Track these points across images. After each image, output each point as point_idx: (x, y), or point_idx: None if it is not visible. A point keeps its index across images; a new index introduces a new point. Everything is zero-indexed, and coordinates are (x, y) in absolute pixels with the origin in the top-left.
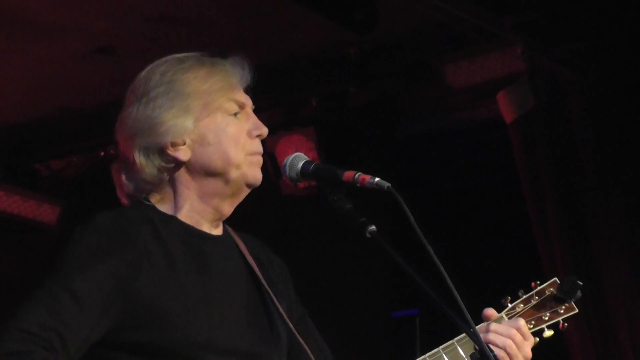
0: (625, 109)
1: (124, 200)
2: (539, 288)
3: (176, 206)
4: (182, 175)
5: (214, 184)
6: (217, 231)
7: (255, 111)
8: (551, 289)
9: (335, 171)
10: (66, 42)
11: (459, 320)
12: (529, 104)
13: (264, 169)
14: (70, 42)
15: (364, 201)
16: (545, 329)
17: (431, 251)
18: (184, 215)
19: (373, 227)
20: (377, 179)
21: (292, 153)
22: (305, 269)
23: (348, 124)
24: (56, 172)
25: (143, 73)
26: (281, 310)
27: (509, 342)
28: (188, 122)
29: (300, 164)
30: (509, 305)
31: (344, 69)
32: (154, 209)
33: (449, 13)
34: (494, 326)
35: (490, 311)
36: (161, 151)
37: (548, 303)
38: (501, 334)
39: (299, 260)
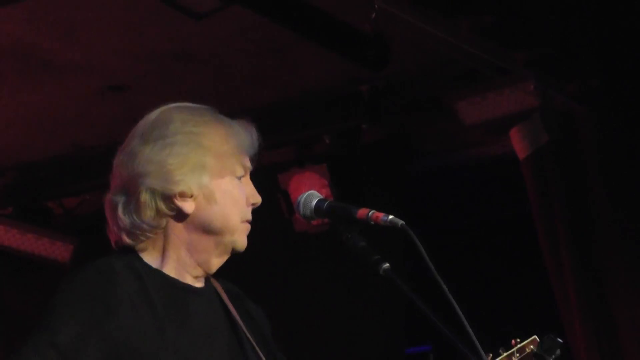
0: (638, 144)
1: (113, 238)
2: (519, 346)
3: (163, 256)
4: (178, 225)
5: (206, 241)
6: (200, 283)
7: (268, 148)
8: (531, 347)
9: (348, 209)
10: (79, 80)
11: (473, 357)
12: (541, 139)
13: (276, 206)
14: (83, 80)
15: (377, 238)
16: None
17: (445, 288)
18: (169, 268)
19: (387, 265)
20: (390, 217)
21: (304, 190)
22: (318, 305)
23: (360, 160)
24: (69, 210)
25: (158, 114)
26: (258, 351)
27: None
28: (204, 178)
29: (314, 202)
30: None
31: (356, 105)
32: (139, 260)
33: (461, 49)
34: None
35: None
36: (168, 198)
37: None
38: None
39: (312, 296)
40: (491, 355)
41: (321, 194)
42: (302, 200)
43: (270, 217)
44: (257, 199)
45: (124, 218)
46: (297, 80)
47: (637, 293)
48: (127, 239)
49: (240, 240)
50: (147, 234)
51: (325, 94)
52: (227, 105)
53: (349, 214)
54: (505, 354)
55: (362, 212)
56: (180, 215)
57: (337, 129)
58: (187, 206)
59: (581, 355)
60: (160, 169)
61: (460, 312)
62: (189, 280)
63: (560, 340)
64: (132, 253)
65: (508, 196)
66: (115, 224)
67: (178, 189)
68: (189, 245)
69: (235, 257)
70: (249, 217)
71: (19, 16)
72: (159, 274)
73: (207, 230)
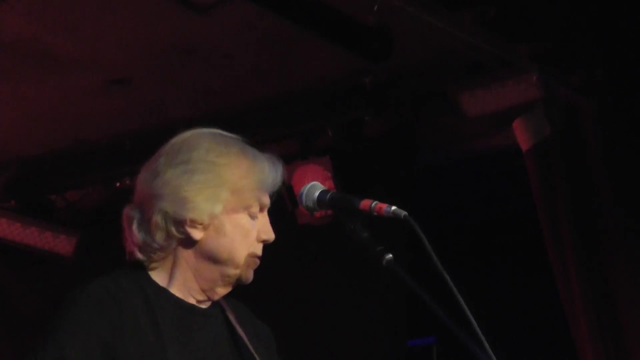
0: None
1: (128, 249)
2: None
3: (171, 277)
4: (187, 250)
5: (211, 269)
6: (206, 305)
7: (272, 141)
8: None
9: (351, 200)
10: (81, 74)
11: (477, 349)
12: (545, 131)
13: (279, 199)
14: (85, 74)
15: (380, 230)
16: None
17: (448, 279)
18: (176, 288)
19: (390, 256)
20: (393, 208)
21: (308, 182)
22: (321, 297)
23: (364, 152)
24: (72, 203)
25: (188, 137)
26: None
27: None
28: (216, 209)
29: (317, 193)
30: None
31: (360, 98)
32: (147, 278)
33: (464, 42)
34: None
35: None
36: (179, 222)
37: None
38: None
39: (315, 289)
40: None
41: (324, 186)
42: (305, 191)
43: (273, 210)
44: (269, 236)
45: (137, 234)
46: (300, 73)
47: None
48: (139, 254)
49: (245, 274)
50: (158, 252)
51: (328, 87)
52: (230, 98)
53: (351, 205)
54: None
55: (365, 203)
56: (189, 241)
57: (340, 122)
58: (196, 233)
59: (586, 350)
60: (175, 193)
61: (463, 303)
62: (194, 301)
63: None
64: (141, 269)
65: (512, 188)
66: (130, 238)
67: (189, 215)
68: (195, 271)
69: None
70: (259, 252)
71: (21, 10)
72: (165, 293)
73: (213, 259)
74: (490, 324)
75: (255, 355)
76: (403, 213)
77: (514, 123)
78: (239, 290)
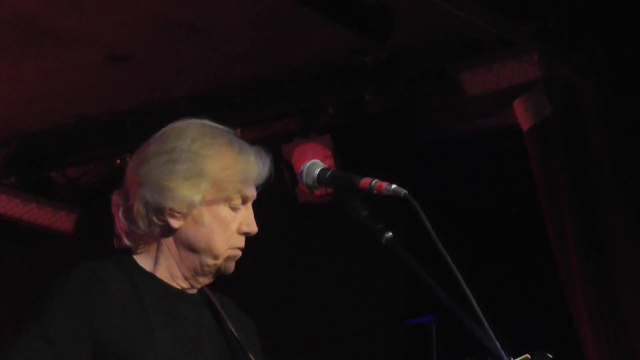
0: None
1: (117, 234)
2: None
3: (155, 263)
4: (169, 238)
5: (191, 258)
6: (193, 290)
7: (272, 119)
8: None
9: (351, 178)
10: (82, 50)
11: (476, 327)
12: (545, 111)
13: (280, 177)
14: (86, 51)
15: (380, 208)
16: None
17: (448, 258)
18: (161, 273)
19: (390, 234)
20: (393, 186)
21: (308, 160)
22: (321, 276)
23: (364, 131)
24: (72, 180)
25: (177, 125)
26: (250, 355)
27: None
28: (195, 200)
29: (317, 172)
30: None
31: (360, 76)
32: (134, 262)
33: (466, 20)
34: None
35: None
36: (158, 211)
37: None
38: None
39: (315, 267)
40: None
41: (324, 164)
42: (305, 169)
43: (273, 188)
44: (251, 229)
45: (123, 221)
46: (301, 51)
47: None
48: (125, 240)
49: (225, 265)
50: (142, 238)
51: (329, 65)
52: (231, 75)
53: (351, 183)
54: None
55: (365, 181)
56: (170, 229)
57: (340, 100)
58: (175, 222)
59: (584, 329)
60: (156, 182)
61: (462, 282)
62: (179, 287)
63: (550, 356)
64: (128, 255)
65: (512, 167)
66: (117, 224)
67: (168, 204)
68: (177, 258)
69: None
70: (239, 244)
71: None
72: (151, 277)
73: (192, 248)
74: (489, 302)
75: (239, 340)
76: (403, 191)
77: (515, 102)
78: (239, 267)
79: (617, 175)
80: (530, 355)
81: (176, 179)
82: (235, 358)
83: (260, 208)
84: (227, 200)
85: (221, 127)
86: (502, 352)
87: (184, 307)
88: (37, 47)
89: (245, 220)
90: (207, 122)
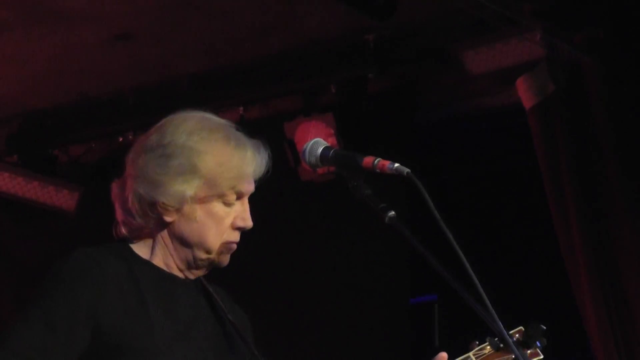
0: None
1: (117, 222)
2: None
3: (152, 252)
4: (163, 230)
5: (184, 251)
6: (188, 279)
7: (275, 97)
8: (517, 335)
9: (354, 157)
10: (85, 28)
11: (478, 306)
12: (548, 89)
13: (283, 155)
14: (89, 29)
15: (383, 187)
16: None
17: (450, 237)
18: (157, 262)
19: (392, 213)
20: (396, 165)
21: (311, 139)
22: (324, 254)
23: (367, 110)
24: (75, 158)
25: (177, 117)
26: (250, 344)
27: None
28: (186, 195)
29: (320, 150)
30: (477, 345)
31: (363, 55)
32: (131, 251)
33: None
34: None
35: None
36: (152, 204)
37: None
38: None
39: (318, 245)
40: (477, 342)
41: (327, 143)
42: (308, 148)
43: (276, 166)
44: (246, 224)
45: (120, 210)
46: (304, 30)
47: None
48: (123, 229)
49: (218, 259)
50: (138, 228)
51: (332, 44)
52: (233, 54)
53: (354, 162)
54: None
55: (367, 160)
56: (163, 222)
57: (343, 79)
58: (168, 216)
59: (586, 304)
60: (149, 175)
61: (465, 261)
62: (176, 272)
63: (544, 327)
64: (125, 243)
65: (515, 146)
66: (116, 213)
67: (160, 198)
68: (172, 250)
69: None
70: (233, 239)
71: None
72: (147, 264)
73: (184, 242)
74: (491, 280)
75: (235, 323)
76: (406, 170)
77: (518, 81)
78: (242, 246)
79: (619, 152)
80: (524, 327)
81: (169, 174)
82: (230, 342)
83: (262, 186)
84: (221, 197)
85: (220, 120)
86: (505, 332)
87: (180, 292)
88: (41, 26)
89: (240, 215)
90: (206, 114)
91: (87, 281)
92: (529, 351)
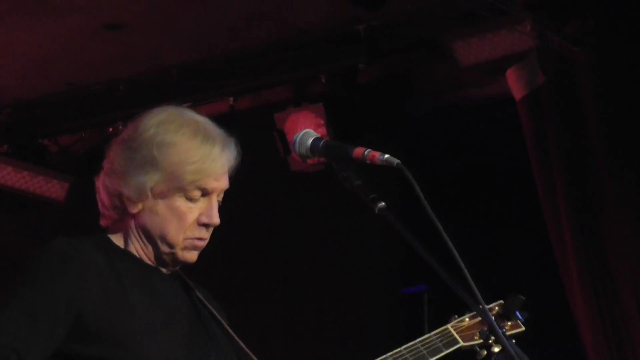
0: (635, 85)
1: (101, 211)
2: (486, 307)
3: (126, 243)
4: (132, 223)
5: (150, 245)
6: (165, 270)
7: (265, 87)
8: (496, 308)
9: (345, 148)
10: (76, 18)
11: (468, 297)
12: (538, 80)
13: (273, 145)
14: (79, 19)
15: (373, 178)
16: (493, 344)
17: (440, 227)
18: (135, 251)
19: (382, 204)
20: (386, 156)
21: (301, 129)
22: (314, 245)
23: (357, 100)
24: (65, 148)
25: (148, 114)
26: (229, 330)
27: None
28: (147, 186)
29: (310, 141)
30: (456, 318)
31: (353, 45)
32: (109, 241)
33: None
34: None
35: None
36: (116, 196)
37: (495, 320)
38: None
39: (308, 236)
40: (456, 315)
41: (317, 134)
42: (298, 139)
43: (266, 156)
44: (210, 221)
45: (99, 202)
46: (294, 20)
47: (633, 232)
48: (102, 221)
49: (181, 255)
50: (113, 219)
51: (323, 34)
52: (224, 44)
53: (345, 153)
54: (471, 314)
55: (358, 150)
56: (130, 215)
57: (333, 69)
58: (132, 207)
59: (575, 294)
60: (115, 168)
61: (455, 252)
62: (153, 264)
63: (523, 297)
64: (104, 235)
65: (505, 137)
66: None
67: (122, 190)
68: (141, 243)
69: (232, 196)
70: (197, 235)
71: None
72: (126, 253)
73: (148, 235)
74: (481, 271)
75: (214, 312)
76: (396, 161)
77: (508, 72)
78: (233, 234)
79: (608, 142)
80: (504, 300)
81: (132, 165)
82: (210, 331)
83: (253, 175)
84: (182, 191)
85: (195, 116)
86: (494, 323)
87: (160, 283)
88: (30, 15)
89: (206, 211)
90: (183, 110)
91: (67, 269)
92: (509, 322)
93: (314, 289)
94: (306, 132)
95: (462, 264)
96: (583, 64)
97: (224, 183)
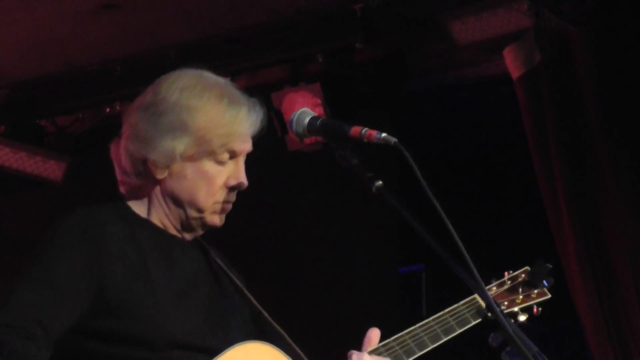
0: (631, 64)
1: (118, 177)
2: (512, 275)
3: (149, 210)
4: (156, 188)
5: (177, 210)
6: (189, 236)
7: (262, 67)
8: (523, 275)
9: (342, 126)
10: None
11: (466, 275)
12: (535, 59)
13: (270, 125)
14: None
15: (370, 157)
16: (519, 312)
17: (438, 206)
18: (155, 220)
19: (380, 183)
20: (383, 134)
21: (298, 109)
22: (311, 224)
23: (354, 79)
24: (62, 128)
25: (169, 76)
26: (249, 295)
27: None
28: (175, 152)
29: (307, 120)
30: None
31: (350, 24)
32: (129, 209)
33: None
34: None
35: (372, 334)
36: (143, 162)
37: (520, 287)
38: None
39: (305, 216)
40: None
41: (314, 113)
42: (295, 117)
43: (263, 136)
44: (239, 182)
45: (117, 169)
46: None
47: (629, 212)
48: (121, 188)
49: (210, 219)
50: (135, 187)
51: (319, 13)
52: (221, 24)
53: (342, 132)
54: (498, 281)
55: (355, 129)
56: (155, 180)
57: (330, 48)
58: (158, 173)
59: (574, 275)
60: (140, 133)
61: (452, 230)
62: (174, 232)
63: (549, 265)
64: (123, 203)
65: (502, 115)
66: (116, 172)
67: (149, 156)
68: (166, 209)
69: None
70: (226, 198)
71: None
72: (146, 223)
73: (175, 200)
74: (479, 249)
75: (236, 281)
76: (393, 140)
77: (505, 51)
78: (229, 215)
79: (605, 122)
80: (530, 267)
81: (159, 130)
82: (230, 299)
83: (249, 156)
84: (212, 155)
85: (217, 78)
86: (491, 300)
87: (179, 252)
88: None
89: (234, 174)
90: (204, 72)
91: (87, 240)
92: (536, 290)
93: (311, 268)
94: (303, 111)
95: (460, 243)
96: (580, 42)
97: (250, 144)
